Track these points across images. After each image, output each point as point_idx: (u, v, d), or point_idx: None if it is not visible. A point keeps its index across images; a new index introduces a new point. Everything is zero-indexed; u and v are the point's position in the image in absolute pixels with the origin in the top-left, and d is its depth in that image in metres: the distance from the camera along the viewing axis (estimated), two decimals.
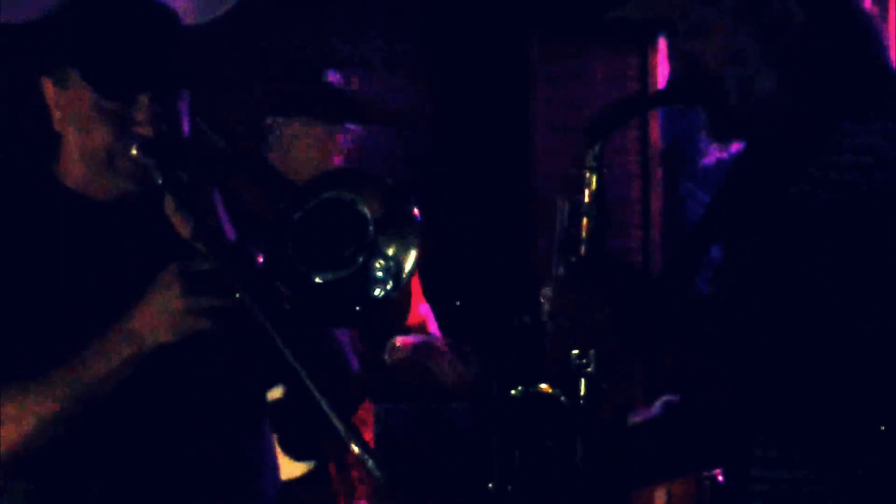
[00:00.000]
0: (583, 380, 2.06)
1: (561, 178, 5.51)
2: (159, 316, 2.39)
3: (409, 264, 2.44)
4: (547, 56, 5.87)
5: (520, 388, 2.07)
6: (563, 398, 2.06)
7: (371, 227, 2.45)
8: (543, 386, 2.06)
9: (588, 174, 2.06)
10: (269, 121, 3.81)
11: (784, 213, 2.05)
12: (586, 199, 2.05)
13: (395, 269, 2.43)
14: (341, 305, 2.46)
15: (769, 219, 2.08)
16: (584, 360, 2.05)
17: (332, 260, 2.47)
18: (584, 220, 2.05)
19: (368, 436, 3.83)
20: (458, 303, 2.23)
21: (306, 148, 3.76)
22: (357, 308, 2.46)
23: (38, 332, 2.46)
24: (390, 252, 2.44)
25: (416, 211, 2.50)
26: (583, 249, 2.03)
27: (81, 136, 2.51)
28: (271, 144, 3.79)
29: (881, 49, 2.11)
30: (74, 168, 2.55)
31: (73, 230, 2.55)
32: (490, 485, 2.06)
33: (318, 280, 2.45)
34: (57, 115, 2.54)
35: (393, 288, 2.44)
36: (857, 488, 2.00)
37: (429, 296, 3.89)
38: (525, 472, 2.07)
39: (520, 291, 2.11)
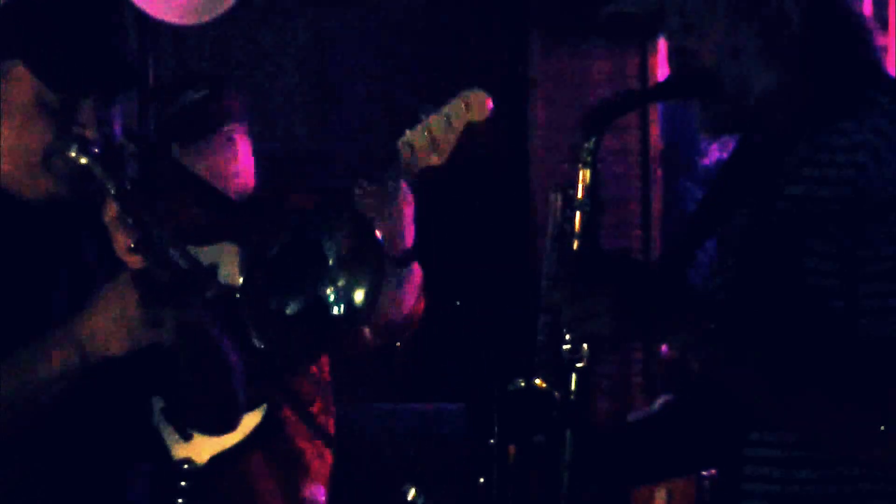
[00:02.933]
0: (574, 374, 2.05)
1: (559, 179, 5.50)
2: (112, 326, 2.30)
3: (359, 297, 2.48)
4: (547, 56, 5.87)
5: (514, 382, 2.07)
6: (555, 393, 2.05)
7: (331, 262, 2.50)
8: (537, 381, 2.05)
9: (581, 168, 2.05)
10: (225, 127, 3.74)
11: (779, 209, 2.05)
12: (579, 194, 2.04)
13: (346, 299, 2.49)
14: (301, 334, 2.51)
15: (763, 215, 2.08)
16: (576, 355, 2.04)
17: (294, 291, 2.50)
18: (578, 215, 2.04)
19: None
20: (458, 302, 2.23)
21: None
22: (315, 335, 2.53)
23: None
24: (341, 283, 2.49)
25: (378, 244, 2.53)
26: (576, 244, 2.02)
27: (16, 132, 2.40)
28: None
29: (872, 48, 2.11)
30: (4, 165, 2.43)
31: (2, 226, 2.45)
32: (481, 479, 2.06)
33: (289, 312, 2.49)
34: None
35: (346, 315, 2.48)
36: (853, 488, 2.00)
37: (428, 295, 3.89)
38: (519, 467, 2.07)
39: (518, 290, 2.11)
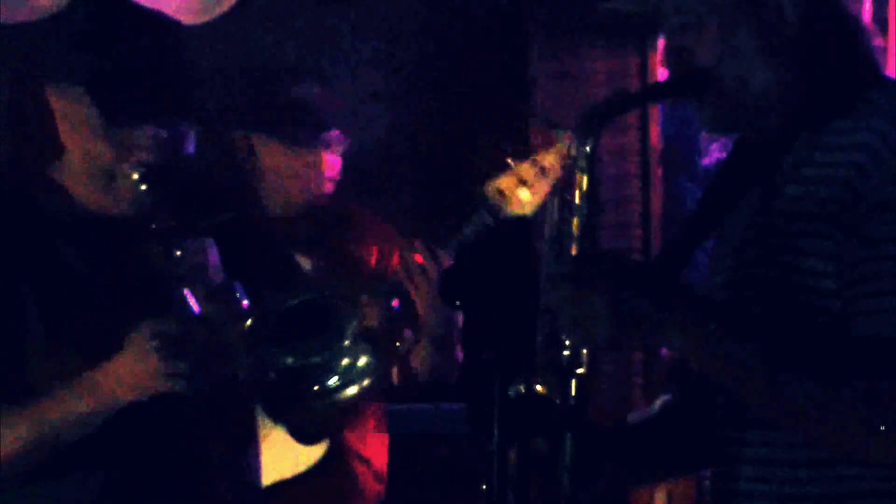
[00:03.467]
0: (573, 379, 2.04)
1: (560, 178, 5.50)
2: (128, 374, 2.40)
3: (366, 382, 2.50)
4: (547, 56, 5.87)
5: (514, 387, 2.07)
6: (555, 398, 2.05)
7: (348, 339, 2.52)
8: (537, 386, 2.05)
9: (578, 173, 2.05)
10: (238, 136, 3.61)
11: (776, 209, 2.05)
12: (577, 199, 2.04)
13: (354, 377, 2.51)
14: (292, 388, 2.53)
15: (761, 214, 2.08)
16: (576, 360, 2.04)
17: (298, 346, 2.53)
18: (576, 219, 2.04)
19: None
20: (457, 303, 2.23)
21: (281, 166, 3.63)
22: (303, 393, 2.55)
23: (29, 338, 2.46)
24: (358, 363, 2.51)
25: (395, 343, 2.56)
26: (574, 248, 2.02)
27: (84, 153, 2.51)
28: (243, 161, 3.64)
29: (869, 48, 2.12)
30: (74, 182, 2.55)
31: (75, 238, 2.54)
32: (484, 486, 2.05)
33: (288, 361, 2.51)
34: (64, 126, 2.53)
35: (352, 394, 2.51)
36: (852, 488, 2.00)
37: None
38: (519, 471, 2.07)
39: (519, 291, 2.11)
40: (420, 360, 3.17)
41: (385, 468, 3.76)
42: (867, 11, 2.13)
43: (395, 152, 5.83)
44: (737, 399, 2.04)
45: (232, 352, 2.43)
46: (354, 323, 2.53)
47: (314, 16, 5.82)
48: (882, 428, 1.89)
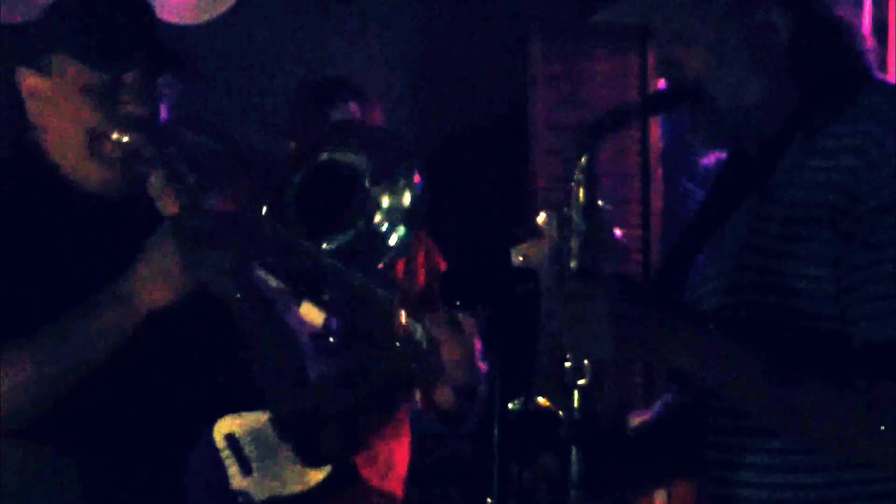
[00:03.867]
0: (577, 392, 2.04)
1: (560, 178, 5.50)
2: (155, 275, 2.35)
3: (407, 202, 2.43)
4: (547, 56, 5.87)
5: (517, 401, 2.06)
6: (559, 412, 2.05)
7: (366, 182, 2.45)
8: (540, 400, 2.04)
9: (576, 186, 2.04)
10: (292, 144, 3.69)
11: (772, 214, 2.05)
12: (575, 215, 2.04)
13: (397, 216, 2.43)
14: (363, 264, 2.45)
15: (757, 220, 2.08)
16: (579, 373, 2.04)
17: (334, 225, 2.46)
18: (575, 235, 2.03)
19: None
20: (457, 303, 2.22)
21: None
22: (379, 262, 2.46)
23: (23, 320, 2.41)
24: (385, 203, 2.44)
25: (408, 148, 2.50)
26: (573, 263, 2.01)
27: (64, 122, 2.49)
28: None
29: (862, 53, 2.11)
30: (59, 156, 2.51)
31: (66, 216, 2.52)
32: (489, 500, 2.04)
33: (326, 247, 2.43)
34: (36, 104, 2.51)
35: (405, 232, 2.44)
36: (852, 492, 2.00)
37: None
38: (524, 486, 2.06)
39: (519, 292, 2.10)
40: (443, 397, 3.17)
41: (399, 488, 3.77)
42: (867, 14, 2.12)
43: None
44: (737, 407, 2.03)
45: (258, 236, 2.38)
46: (365, 163, 2.45)
47: (314, 16, 5.82)
48: (882, 429, 1.89)
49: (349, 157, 2.47)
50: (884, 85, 2.11)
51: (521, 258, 3.37)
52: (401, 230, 2.44)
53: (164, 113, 2.52)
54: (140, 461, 2.51)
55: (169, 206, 2.42)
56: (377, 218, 2.43)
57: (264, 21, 5.74)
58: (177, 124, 2.59)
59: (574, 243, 2.02)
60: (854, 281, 1.95)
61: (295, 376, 2.64)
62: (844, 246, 1.96)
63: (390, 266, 2.62)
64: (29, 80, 2.52)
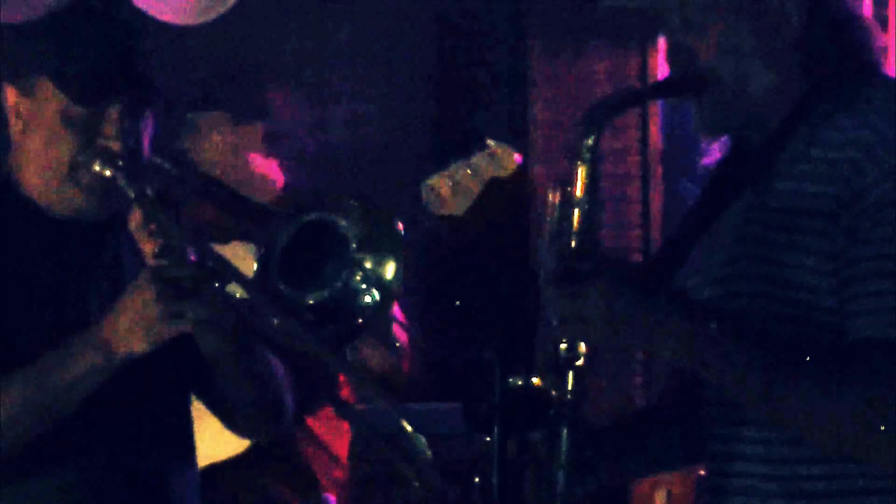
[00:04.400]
0: (571, 373, 2.04)
1: (559, 176, 5.51)
2: (133, 323, 2.33)
3: (389, 273, 2.47)
4: (547, 56, 5.87)
5: (512, 380, 2.06)
6: (552, 392, 2.05)
7: (353, 245, 2.49)
8: (534, 379, 2.04)
9: (580, 165, 2.04)
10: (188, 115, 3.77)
11: (771, 206, 2.05)
12: (578, 192, 2.04)
13: (375, 279, 2.47)
14: (333, 321, 2.49)
15: (755, 211, 2.08)
16: (573, 353, 2.04)
17: (317, 280, 2.50)
18: (577, 213, 2.03)
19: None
20: (457, 302, 2.22)
21: (217, 141, 3.75)
22: (348, 321, 2.50)
23: None
24: (368, 265, 2.48)
25: (399, 226, 2.52)
26: (574, 243, 2.02)
27: (44, 147, 2.46)
28: (184, 136, 3.76)
29: (870, 47, 2.11)
30: (33, 178, 2.48)
31: (28, 239, 2.49)
32: (476, 479, 2.05)
33: (310, 301, 2.48)
34: (17, 124, 2.48)
35: (381, 297, 2.48)
36: (851, 485, 2.00)
37: (429, 294, 3.89)
38: (515, 465, 2.06)
39: (517, 289, 2.11)
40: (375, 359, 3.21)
41: (344, 454, 3.77)
42: (867, 10, 2.13)
43: (395, 152, 5.83)
44: (728, 394, 2.03)
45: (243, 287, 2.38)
46: (351, 229, 2.49)
47: (314, 16, 5.82)
48: (882, 429, 1.89)
49: (340, 222, 2.52)
50: (891, 80, 2.11)
51: (432, 194, 3.39)
52: (375, 295, 2.49)
53: (145, 147, 2.50)
54: (120, 479, 2.49)
55: (145, 244, 2.42)
56: (357, 277, 2.49)
57: (264, 21, 5.74)
58: (157, 157, 2.59)
59: (575, 221, 2.03)
60: (853, 275, 1.95)
61: (271, 410, 2.62)
62: (844, 239, 1.96)
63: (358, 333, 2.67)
64: (11, 99, 2.49)
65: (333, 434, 3.74)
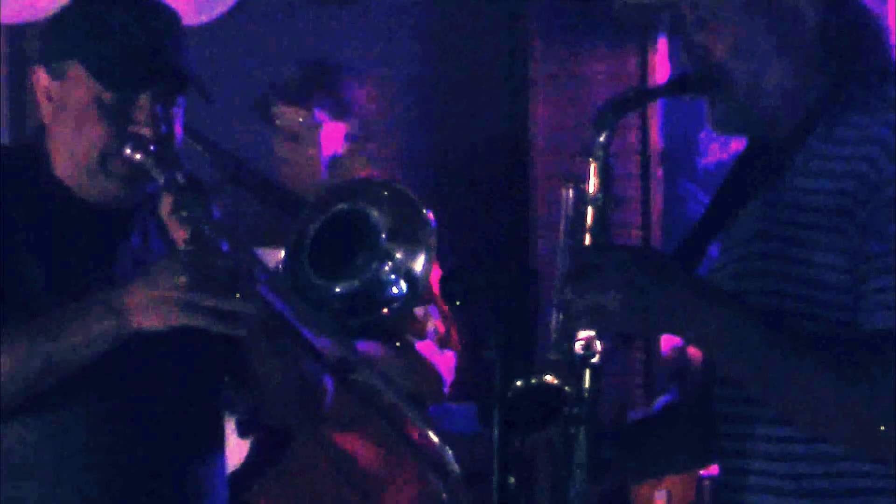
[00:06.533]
0: (587, 370, 2.04)
1: (561, 177, 5.51)
2: (153, 300, 2.31)
3: (419, 265, 2.46)
4: (547, 56, 5.88)
5: (524, 378, 2.06)
6: (567, 389, 2.04)
7: (383, 235, 2.48)
8: (548, 377, 2.04)
9: (593, 162, 2.04)
10: (273, 109, 3.84)
11: (786, 202, 2.05)
12: (591, 189, 2.03)
13: (404, 270, 2.46)
14: (360, 311, 2.49)
15: (771, 208, 2.08)
16: (589, 351, 2.03)
17: (347, 270, 2.49)
18: (590, 209, 2.03)
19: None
20: (458, 302, 2.23)
21: (299, 138, 3.78)
22: (376, 311, 2.50)
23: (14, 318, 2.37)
24: (399, 256, 2.47)
25: (429, 215, 2.51)
26: (588, 238, 2.01)
27: (75, 131, 2.46)
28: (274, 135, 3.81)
29: (886, 46, 2.11)
30: (63, 162, 2.49)
31: (59, 221, 2.49)
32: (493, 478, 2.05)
33: (338, 290, 2.47)
34: (48, 107, 2.48)
35: (408, 288, 2.46)
36: (859, 484, 2.00)
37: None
38: (528, 464, 2.06)
39: (519, 289, 2.11)
40: None
41: (372, 461, 3.77)
42: (893, 10, 2.13)
43: (395, 152, 5.83)
44: (747, 394, 2.03)
45: (252, 286, 2.36)
46: (382, 220, 2.49)
47: (314, 16, 5.82)
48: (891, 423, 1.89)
49: (371, 212, 2.51)
50: None
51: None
52: (403, 286, 2.48)
53: (177, 134, 2.50)
54: (145, 434, 2.48)
55: (175, 231, 2.41)
56: (386, 268, 2.48)
57: (264, 21, 5.74)
58: (192, 142, 2.58)
59: (589, 218, 2.02)
60: (868, 270, 1.95)
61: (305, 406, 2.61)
62: (860, 236, 1.96)
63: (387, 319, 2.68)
64: (43, 81, 2.50)
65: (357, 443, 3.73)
